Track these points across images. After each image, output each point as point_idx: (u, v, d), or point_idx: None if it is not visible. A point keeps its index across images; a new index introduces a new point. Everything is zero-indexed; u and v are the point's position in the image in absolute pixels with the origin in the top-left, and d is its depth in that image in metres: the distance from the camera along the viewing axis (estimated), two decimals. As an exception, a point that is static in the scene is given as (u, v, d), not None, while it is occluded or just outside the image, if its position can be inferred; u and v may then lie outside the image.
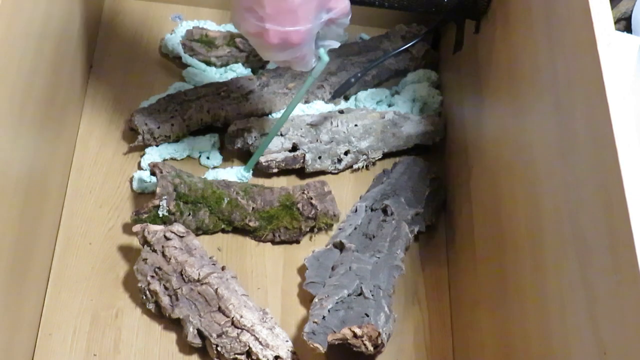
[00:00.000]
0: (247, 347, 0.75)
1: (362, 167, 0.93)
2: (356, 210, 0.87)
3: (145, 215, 0.81)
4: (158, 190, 0.81)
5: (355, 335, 0.74)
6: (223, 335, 0.75)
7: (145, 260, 0.79)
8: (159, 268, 0.78)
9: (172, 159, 0.90)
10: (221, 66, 0.97)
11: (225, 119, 0.91)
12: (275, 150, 0.89)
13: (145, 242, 0.79)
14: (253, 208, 0.85)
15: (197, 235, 0.84)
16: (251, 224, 0.85)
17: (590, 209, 0.56)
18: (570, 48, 0.62)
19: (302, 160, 0.89)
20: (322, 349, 0.73)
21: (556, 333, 0.60)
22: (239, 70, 0.97)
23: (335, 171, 0.92)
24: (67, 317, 0.79)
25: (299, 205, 0.85)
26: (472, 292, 0.80)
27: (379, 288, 0.79)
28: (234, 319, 0.75)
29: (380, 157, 0.93)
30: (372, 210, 0.87)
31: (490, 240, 0.77)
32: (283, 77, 0.94)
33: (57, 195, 0.84)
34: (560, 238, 0.61)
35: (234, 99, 0.91)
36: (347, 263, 0.81)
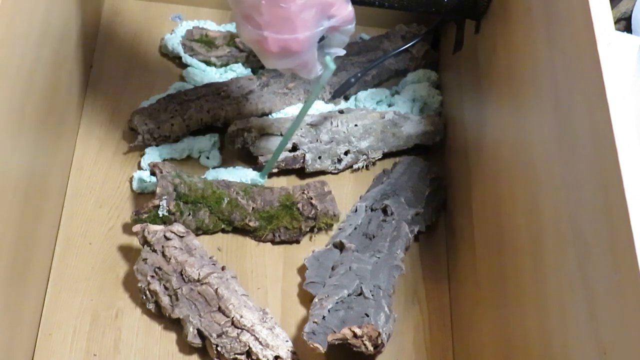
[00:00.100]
0: (247, 347, 0.75)
1: (362, 167, 0.93)
2: (356, 210, 0.87)
3: (145, 215, 0.81)
4: (158, 190, 0.81)
5: (355, 335, 0.74)
6: (223, 335, 0.75)
7: (145, 260, 0.79)
8: (159, 268, 0.78)
9: (172, 159, 0.90)
10: (221, 66, 0.97)
11: (225, 119, 0.91)
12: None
13: (145, 242, 0.79)
14: (253, 208, 0.85)
15: (197, 235, 0.84)
16: (251, 224, 0.85)
17: (590, 209, 0.56)
18: (570, 48, 0.62)
19: (302, 160, 0.89)
20: (322, 349, 0.73)
21: (556, 333, 0.60)
22: (239, 70, 0.97)
23: (335, 171, 0.92)
24: (67, 317, 0.79)
25: (299, 205, 0.85)
26: (472, 292, 0.80)
27: (379, 288, 0.79)
28: (234, 319, 0.75)
29: (380, 157, 0.93)
30: (372, 210, 0.87)
31: (490, 240, 0.77)
32: (283, 77, 0.94)
33: (57, 195, 0.84)
34: (560, 238, 0.61)
35: (234, 99, 0.91)
36: (347, 263, 0.81)
